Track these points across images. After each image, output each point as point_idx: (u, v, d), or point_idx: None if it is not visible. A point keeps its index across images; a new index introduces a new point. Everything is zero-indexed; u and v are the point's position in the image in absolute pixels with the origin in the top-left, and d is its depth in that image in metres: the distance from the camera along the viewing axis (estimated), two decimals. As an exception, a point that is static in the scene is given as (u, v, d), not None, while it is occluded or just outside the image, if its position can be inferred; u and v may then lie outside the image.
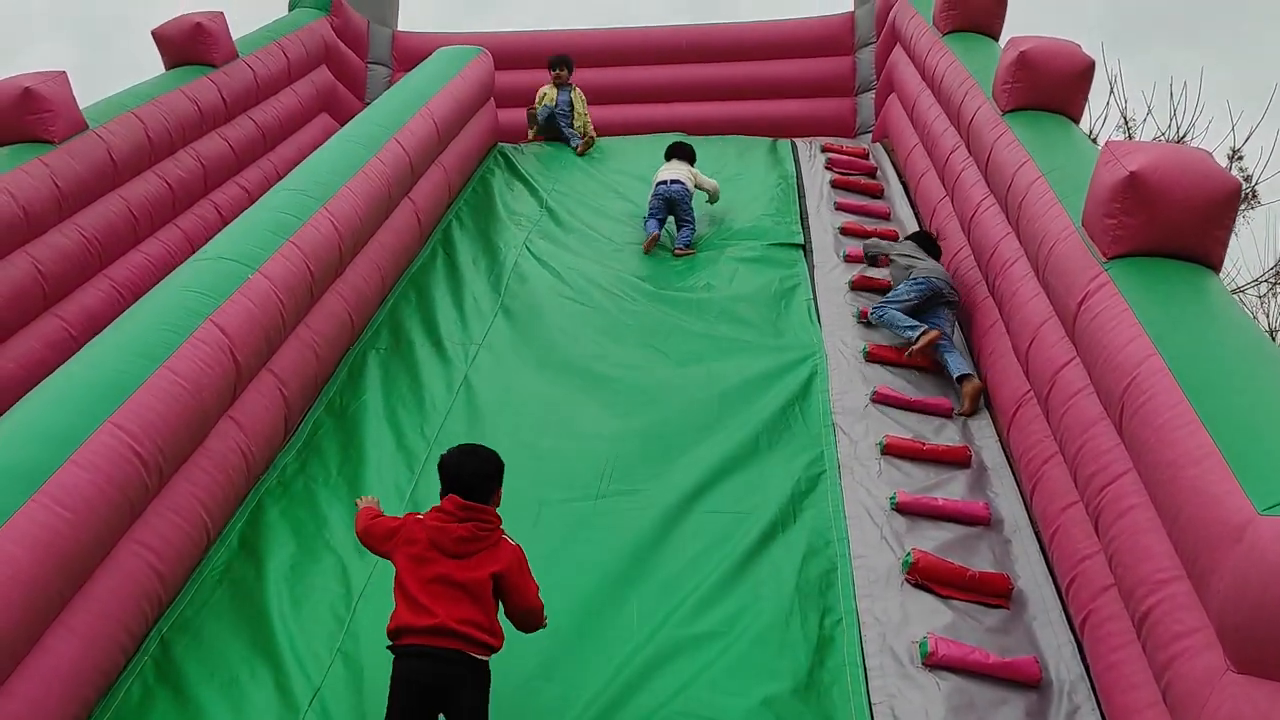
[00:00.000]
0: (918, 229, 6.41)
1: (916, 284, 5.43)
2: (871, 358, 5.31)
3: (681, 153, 7.29)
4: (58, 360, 5.31)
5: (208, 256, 4.70)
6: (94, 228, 6.04)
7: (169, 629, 3.61)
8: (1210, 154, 3.97)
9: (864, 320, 5.69)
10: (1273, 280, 17.31)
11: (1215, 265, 3.83)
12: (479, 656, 3.05)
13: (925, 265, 5.59)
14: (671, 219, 6.93)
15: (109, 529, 3.37)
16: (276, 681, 3.44)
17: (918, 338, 5.14)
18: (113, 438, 3.46)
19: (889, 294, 5.57)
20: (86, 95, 6.42)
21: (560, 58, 8.88)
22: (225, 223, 6.99)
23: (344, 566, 4.01)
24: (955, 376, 5.07)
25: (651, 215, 6.89)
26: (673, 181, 6.91)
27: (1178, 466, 2.85)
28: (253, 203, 7.16)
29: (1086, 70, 5.64)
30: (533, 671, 3.46)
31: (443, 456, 3.36)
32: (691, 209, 6.90)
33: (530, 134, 8.89)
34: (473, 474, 3.27)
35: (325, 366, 5.16)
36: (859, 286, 6.11)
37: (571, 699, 3.36)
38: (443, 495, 3.28)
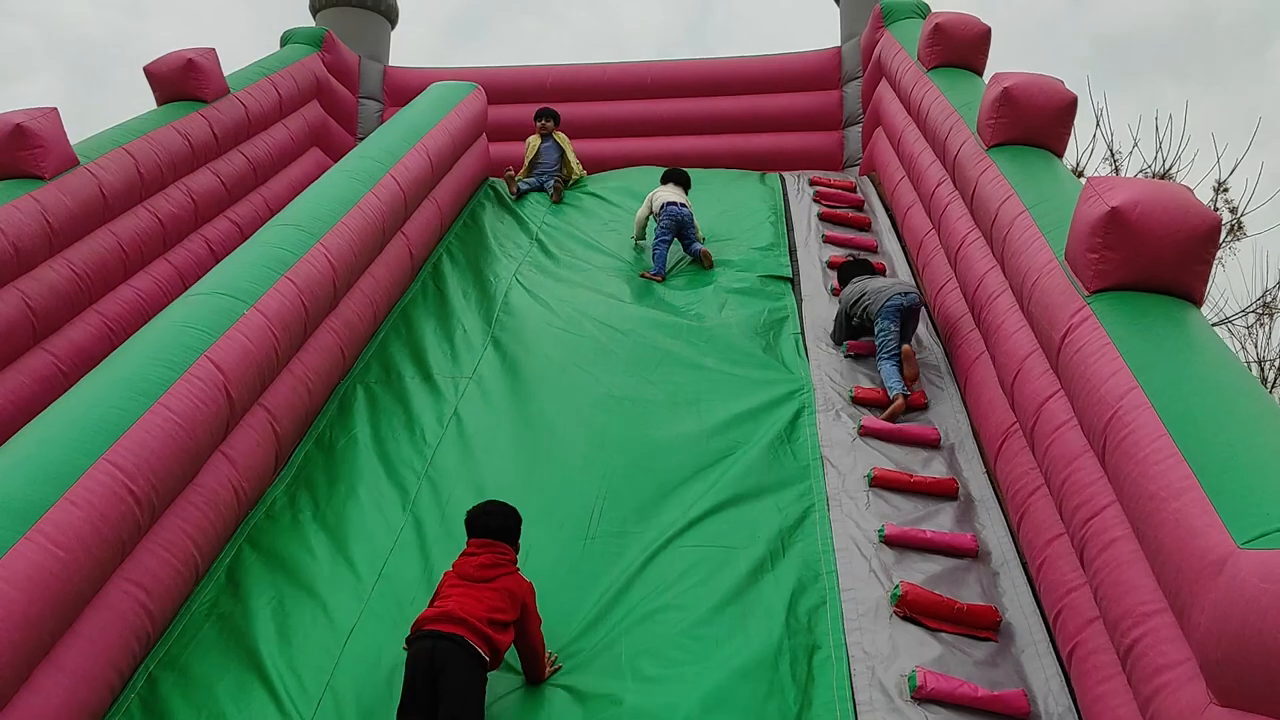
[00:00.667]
0: (852, 259, 6.45)
1: (886, 314, 5.46)
2: (858, 401, 5.33)
3: (679, 179, 7.50)
4: (48, 396, 5.34)
5: (203, 291, 4.73)
6: (84, 263, 6.06)
7: (156, 666, 3.61)
8: (1191, 190, 4.03)
9: (850, 354, 5.74)
10: (1259, 311, 17.44)
11: (1197, 299, 3.89)
12: (476, 647, 3.28)
13: (876, 285, 5.70)
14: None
15: (101, 567, 3.38)
16: (265, 718, 3.44)
17: (895, 399, 5.23)
18: (107, 475, 3.48)
19: (878, 341, 5.51)
20: (79, 128, 6.47)
21: (545, 110, 8.94)
22: (216, 257, 7.07)
23: (332, 601, 4.02)
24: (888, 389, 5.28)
25: (661, 239, 7.04)
26: (681, 205, 7.17)
27: (1159, 499, 2.88)
28: (243, 237, 7.25)
29: (1069, 106, 5.72)
30: (514, 709, 3.46)
31: (468, 512, 3.78)
32: (694, 229, 7.21)
33: (512, 192, 8.74)
34: (498, 528, 3.70)
35: (316, 400, 5.19)
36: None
37: None
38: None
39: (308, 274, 5.15)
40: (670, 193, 7.25)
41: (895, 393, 5.24)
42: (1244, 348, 17.34)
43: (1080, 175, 16.41)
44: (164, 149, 7.03)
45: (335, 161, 8.50)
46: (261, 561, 4.24)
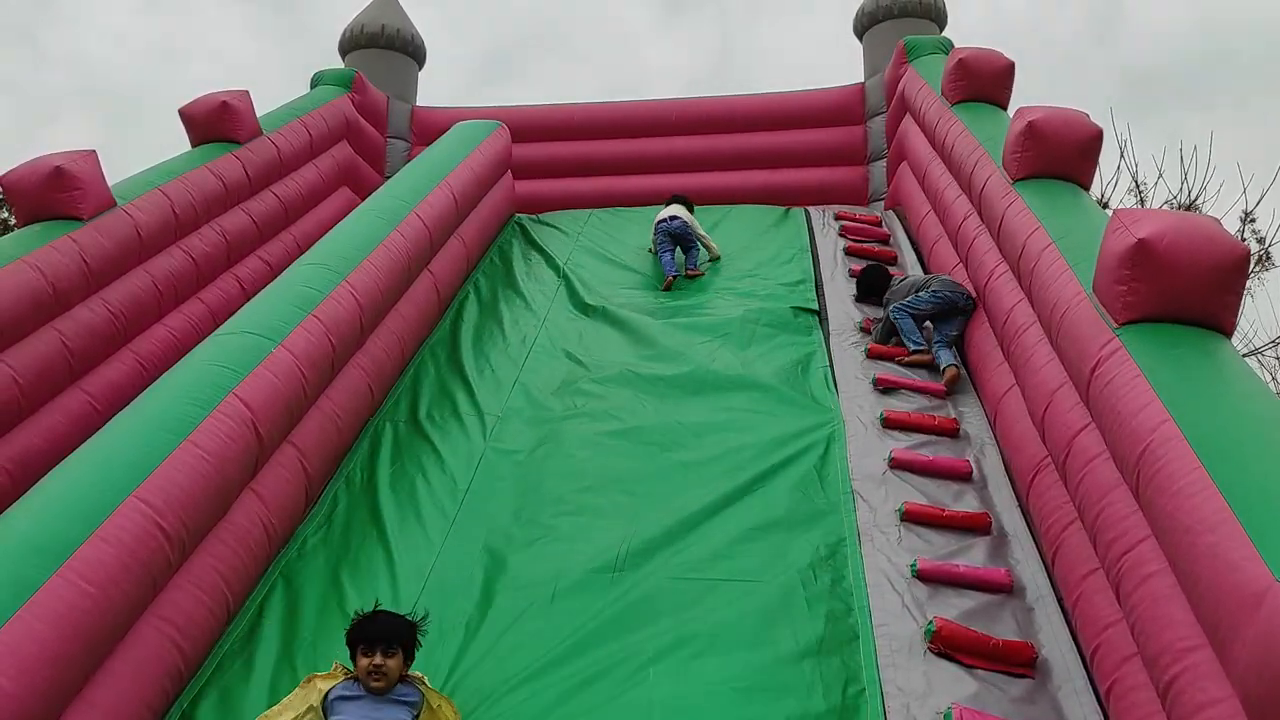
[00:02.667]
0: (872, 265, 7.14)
1: (935, 295, 6.11)
2: (889, 423, 5.33)
3: (680, 200, 8.16)
4: (82, 435, 5.39)
5: (232, 331, 4.78)
6: (120, 302, 6.14)
7: (189, 704, 3.61)
8: (1218, 220, 4.01)
9: (881, 387, 5.72)
10: (1289, 342, 17.19)
11: (1227, 330, 3.85)
12: None
13: (939, 280, 6.25)
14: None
15: (132, 604, 3.39)
16: None
17: (914, 353, 5.98)
18: (137, 512, 3.50)
19: (908, 300, 6.17)
20: (111, 171, 6.58)
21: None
22: (247, 295, 7.15)
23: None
24: (941, 366, 5.82)
25: (662, 251, 7.69)
26: (672, 218, 7.76)
27: (1195, 533, 2.84)
28: (274, 275, 7.31)
29: (1095, 139, 5.71)
30: None
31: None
32: (694, 240, 7.80)
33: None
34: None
35: (345, 438, 5.22)
36: (875, 354, 6.14)
37: None
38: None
39: (334, 312, 5.19)
40: (667, 210, 7.94)
41: (947, 363, 5.78)
42: (1275, 378, 17.12)
43: (1105, 207, 16.37)
44: (198, 190, 7.14)
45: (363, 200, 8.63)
46: (294, 600, 4.24)
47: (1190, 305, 3.82)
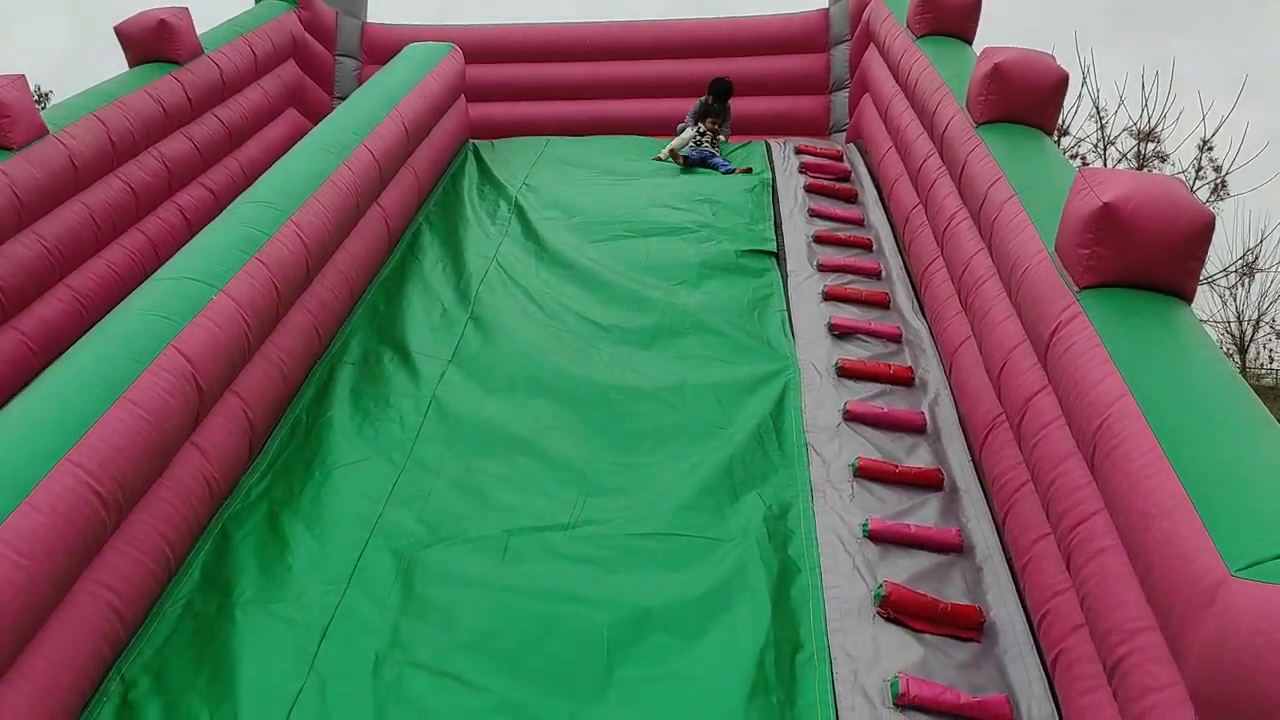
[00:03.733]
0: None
1: None
2: (844, 372, 5.28)
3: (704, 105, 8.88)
4: (16, 377, 5.24)
5: (170, 276, 4.59)
6: (55, 236, 5.91)
7: (129, 669, 3.53)
8: (1184, 183, 3.95)
9: (837, 332, 5.67)
10: (1240, 271, 17.43)
11: (1187, 296, 3.82)
12: None
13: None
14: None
15: (67, 573, 3.29)
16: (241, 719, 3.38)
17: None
18: (70, 477, 3.37)
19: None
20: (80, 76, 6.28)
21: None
22: (190, 225, 6.93)
23: (308, 594, 3.95)
24: None
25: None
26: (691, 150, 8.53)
27: (1150, 517, 2.83)
28: (218, 204, 7.10)
29: (1060, 84, 5.61)
30: (493, 708, 3.41)
31: None
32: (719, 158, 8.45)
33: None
34: None
35: (291, 385, 5.08)
36: (833, 297, 6.08)
37: None
38: None
39: (279, 254, 5.01)
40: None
41: None
42: (1225, 306, 17.36)
43: (1066, 133, 16.31)
44: (136, 114, 6.84)
45: (313, 122, 8.37)
46: (236, 554, 4.15)
47: (1153, 271, 3.77)
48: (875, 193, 7.63)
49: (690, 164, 8.43)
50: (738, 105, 9.35)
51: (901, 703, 3.36)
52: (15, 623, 3.05)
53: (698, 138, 8.63)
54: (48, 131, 6.05)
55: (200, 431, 4.25)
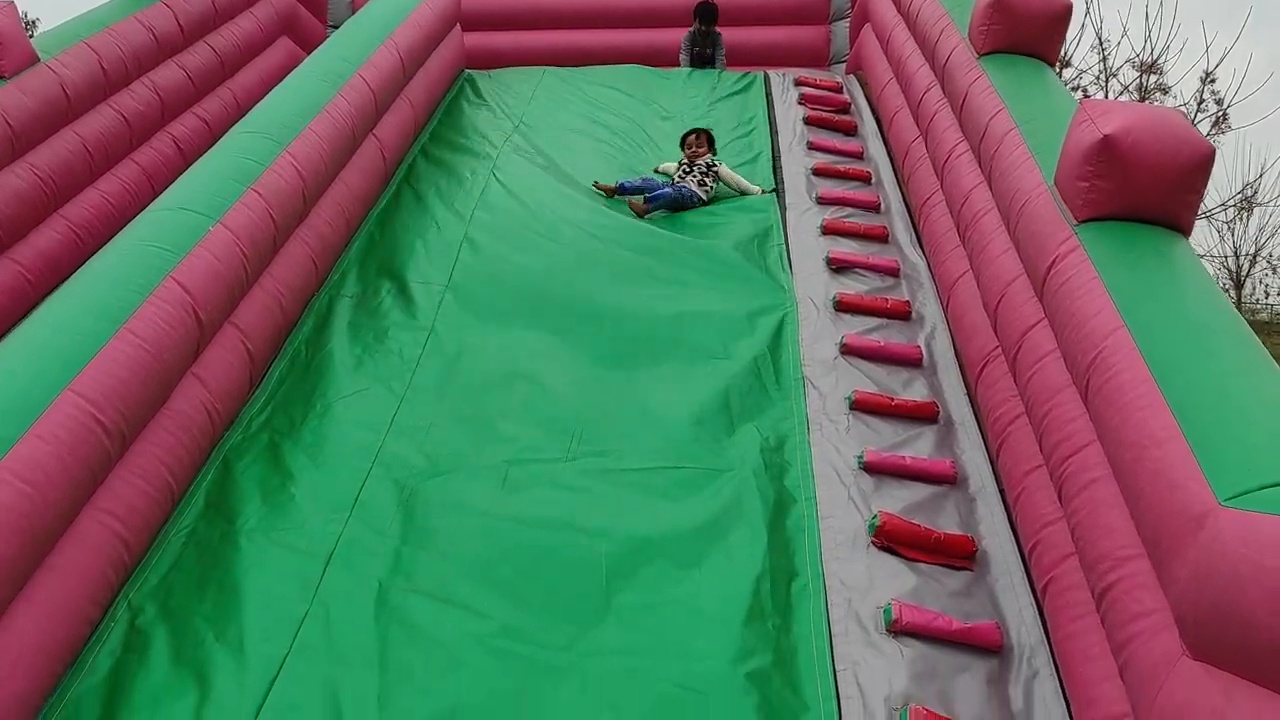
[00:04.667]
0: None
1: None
2: (841, 306, 5.30)
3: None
4: (15, 308, 5.25)
5: (167, 207, 4.57)
6: (49, 166, 5.87)
7: (135, 595, 3.59)
8: (1185, 114, 3.93)
9: (835, 266, 5.67)
10: (1239, 205, 17.37)
11: (1185, 230, 3.83)
12: None
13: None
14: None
15: (72, 501, 3.32)
16: (245, 644, 3.43)
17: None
18: (73, 407, 3.40)
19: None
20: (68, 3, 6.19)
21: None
22: (184, 156, 6.88)
23: (311, 523, 3.99)
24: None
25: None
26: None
27: (1141, 448, 2.87)
28: (212, 134, 7.05)
29: (1064, 13, 5.57)
30: (495, 633, 3.48)
31: None
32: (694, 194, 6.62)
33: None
34: None
35: (290, 316, 5.08)
36: (831, 231, 6.07)
37: (539, 653, 3.38)
38: None
39: (275, 185, 4.98)
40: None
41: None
42: (1222, 241, 17.33)
43: (1068, 64, 16.13)
44: (127, 42, 6.75)
45: (306, 52, 8.27)
46: (239, 484, 4.19)
47: (1152, 203, 3.78)
48: (875, 125, 7.58)
49: (650, 203, 6.46)
50: (736, 35, 9.24)
51: (894, 629, 3.44)
52: (22, 550, 3.09)
53: (682, 173, 6.70)
54: (38, 59, 5.98)
55: (200, 363, 4.26)
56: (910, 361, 4.95)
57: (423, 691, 3.25)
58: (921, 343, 5.09)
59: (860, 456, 4.24)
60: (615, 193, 6.55)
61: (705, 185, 6.58)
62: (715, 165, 6.69)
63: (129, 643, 3.40)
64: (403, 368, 4.94)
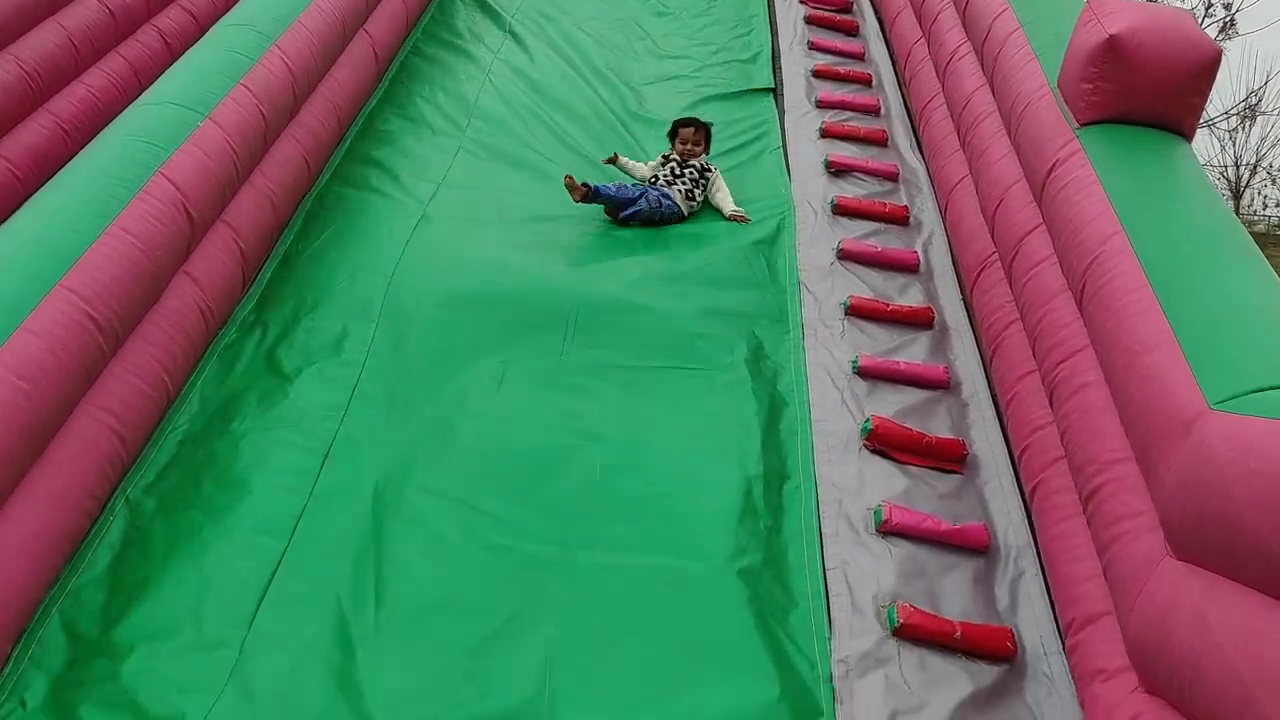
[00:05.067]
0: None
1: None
2: (840, 210, 5.26)
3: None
4: (4, 204, 5.19)
5: (155, 101, 4.49)
6: (33, 59, 5.75)
7: (133, 491, 3.62)
8: (1192, 15, 3.86)
9: (833, 170, 5.61)
10: (1242, 114, 17.16)
11: (1188, 134, 3.79)
12: None
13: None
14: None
15: (67, 397, 3.33)
16: (244, 538, 3.48)
17: None
18: (66, 303, 3.38)
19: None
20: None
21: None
22: (171, 51, 6.73)
23: (307, 420, 4.01)
24: None
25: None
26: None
27: (1133, 353, 2.87)
28: (199, 28, 6.88)
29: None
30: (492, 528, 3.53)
31: None
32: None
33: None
34: None
35: (281, 215, 5.03)
36: (830, 134, 5.99)
37: (536, 549, 3.44)
38: None
39: (265, 80, 4.89)
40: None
41: None
42: (1223, 150, 17.17)
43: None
44: (108, -71, 6.55)
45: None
46: (233, 381, 4.20)
47: (1155, 106, 3.73)
48: (877, 26, 7.42)
49: (624, 222, 5.33)
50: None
51: (884, 529, 3.48)
52: (19, 444, 3.10)
53: (663, 170, 5.48)
54: (18, -53, 5.82)
55: (192, 260, 4.24)
56: (907, 267, 4.93)
57: (419, 582, 3.31)
58: (919, 248, 5.07)
59: (854, 361, 4.25)
60: (585, 196, 5.23)
61: (693, 198, 5.36)
62: (710, 170, 5.43)
63: (128, 537, 3.44)
64: (388, 258, 4.89)
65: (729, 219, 5.30)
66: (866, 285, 4.77)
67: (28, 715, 2.86)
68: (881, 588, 3.31)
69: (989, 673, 3.10)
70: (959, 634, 3.13)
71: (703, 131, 5.58)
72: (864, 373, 4.19)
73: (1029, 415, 3.68)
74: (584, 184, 5.22)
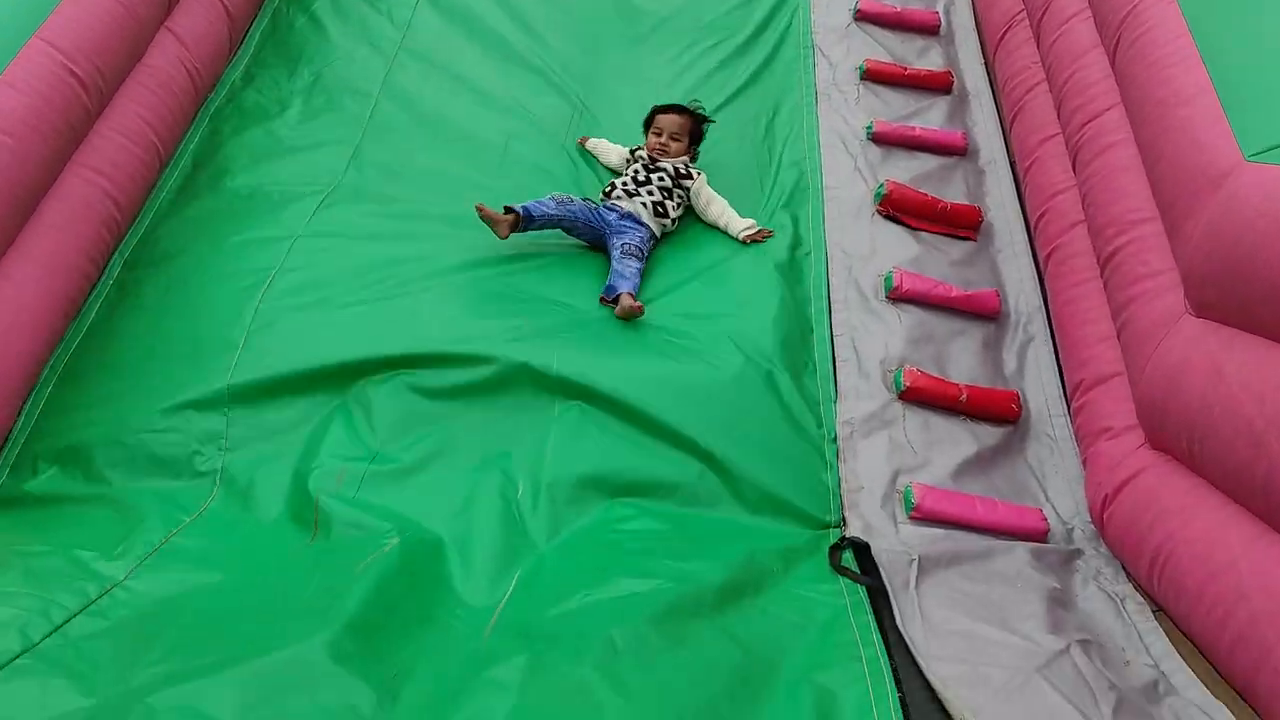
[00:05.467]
0: None
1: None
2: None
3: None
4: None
5: None
6: None
7: (131, 252, 3.56)
8: None
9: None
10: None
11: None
12: None
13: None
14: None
15: (53, 153, 3.21)
16: (233, 297, 3.41)
17: None
18: (44, 55, 3.21)
19: None
20: None
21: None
22: None
23: (305, 173, 3.90)
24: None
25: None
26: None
27: (1168, 105, 2.73)
28: None
29: None
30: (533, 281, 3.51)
31: None
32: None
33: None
34: None
35: (269, -26, 4.75)
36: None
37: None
38: None
39: None
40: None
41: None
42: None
43: None
44: None
45: None
46: (226, 145, 4.06)
47: None
48: None
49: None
50: None
51: (894, 296, 3.43)
52: (8, 199, 3.02)
53: (625, 175, 3.81)
54: None
55: (175, 17, 4.02)
56: (928, 29, 4.69)
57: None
58: (940, 8, 4.80)
59: (869, 127, 4.09)
60: (515, 224, 3.54)
61: (664, 212, 3.70)
62: (689, 178, 3.79)
63: (126, 294, 3.41)
64: (393, 32, 4.66)
65: (743, 241, 3.69)
66: (883, 48, 4.55)
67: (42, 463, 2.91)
68: (889, 353, 3.28)
69: (992, 434, 3.12)
70: (964, 397, 3.12)
71: (688, 122, 3.89)
72: (878, 138, 4.04)
73: (1049, 179, 3.56)
74: (507, 207, 3.56)
